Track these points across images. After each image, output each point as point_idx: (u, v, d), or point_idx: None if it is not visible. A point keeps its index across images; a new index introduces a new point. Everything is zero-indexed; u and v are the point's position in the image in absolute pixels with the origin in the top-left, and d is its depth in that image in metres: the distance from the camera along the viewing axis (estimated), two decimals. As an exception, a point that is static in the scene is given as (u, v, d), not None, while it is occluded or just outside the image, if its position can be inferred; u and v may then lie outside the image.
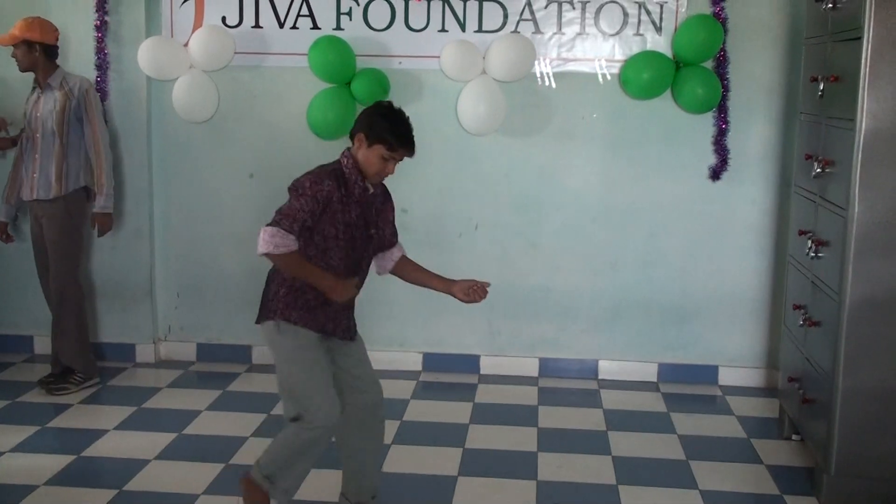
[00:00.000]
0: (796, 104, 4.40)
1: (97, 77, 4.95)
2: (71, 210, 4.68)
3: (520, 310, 5.08)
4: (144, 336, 5.23)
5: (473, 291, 3.21)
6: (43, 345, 5.12)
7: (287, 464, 3.10)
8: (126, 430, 4.28)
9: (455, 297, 3.24)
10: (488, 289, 3.25)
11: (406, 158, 3.13)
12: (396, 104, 3.16)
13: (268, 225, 2.95)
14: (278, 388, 3.16)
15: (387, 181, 3.20)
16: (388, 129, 3.02)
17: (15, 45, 4.58)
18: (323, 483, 3.52)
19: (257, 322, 3.17)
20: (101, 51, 4.94)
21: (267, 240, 2.93)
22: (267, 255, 2.96)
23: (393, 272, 3.35)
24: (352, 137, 3.10)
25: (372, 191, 3.14)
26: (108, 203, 4.71)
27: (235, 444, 4.11)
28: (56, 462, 3.89)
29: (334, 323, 3.14)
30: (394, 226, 3.30)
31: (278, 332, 3.08)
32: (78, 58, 4.99)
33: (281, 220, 2.95)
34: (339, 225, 3.04)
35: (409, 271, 3.33)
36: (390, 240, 3.29)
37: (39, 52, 4.60)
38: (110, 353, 5.22)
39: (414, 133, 3.09)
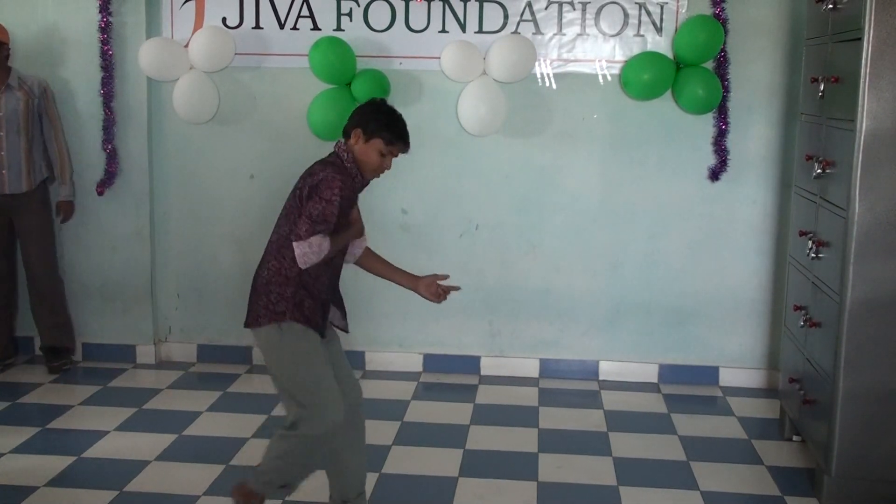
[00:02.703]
0: (797, 105, 4.40)
1: (103, 78, 4.96)
2: (44, 200, 4.96)
3: (520, 310, 5.07)
4: (145, 337, 5.23)
5: (438, 292, 3.28)
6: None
7: (299, 468, 3.13)
8: (126, 431, 4.28)
9: (420, 294, 3.30)
10: (455, 292, 3.33)
11: (402, 156, 3.16)
12: (397, 105, 3.18)
13: (307, 236, 2.93)
14: (280, 393, 3.15)
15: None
16: (386, 123, 3.06)
17: None
18: (322, 483, 3.51)
19: (250, 326, 3.11)
20: (105, 52, 4.95)
21: (315, 250, 2.94)
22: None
23: (358, 261, 3.36)
24: (346, 133, 3.12)
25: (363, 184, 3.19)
26: (72, 191, 4.99)
27: (236, 445, 4.11)
28: (57, 463, 3.88)
29: (324, 319, 3.16)
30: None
31: (281, 333, 3.05)
32: (79, 59, 4.99)
33: (319, 225, 2.94)
34: (343, 220, 3.07)
35: (373, 262, 3.37)
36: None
37: (7, 55, 4.79)
38: (111, 354, 5.22)
39: (408, 129, 3.13)
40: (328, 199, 2.95)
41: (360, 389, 3.34)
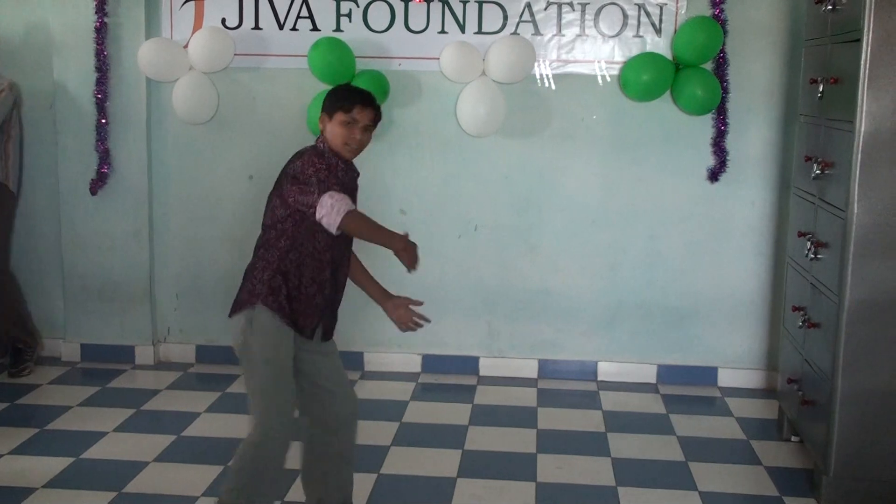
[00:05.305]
0: (796, 106, 4.40)
1: (97, 79, 4.95)
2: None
3: (519, 311, 5.07)
4: (143, 338, 5.22)
5: (407, 318, 3.18)
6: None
7: (255, 486, 3.03)
8: (125, 431, 4.28)
9: (386, 313, 3.22)
10: (423, 322, 3.20)
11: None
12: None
13: (320, 195, 2.83)
14: (247, 389, 3.09)
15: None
16: (338, 95, 3.06)
17: None
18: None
19: (230, 314, 3.05)
20: (100, 53, 4.93)
21: (334, 204, 2.81)
22: (348, 216, 2.82)
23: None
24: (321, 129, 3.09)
25: (357, 174, 3.13)
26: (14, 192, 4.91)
27: (235, 445, 4.06)
28: (55, 464, 3.88)
29: (317, 319, 3.06)
30: None
31: (250, 324, 2.97)
32: (77, 59, 4.98)
33: (321, 184, 2.86)
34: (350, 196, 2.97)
35: (353, 266, 3.27)
36: None
37: None
38: (109, 355, 5.21)
39: (370, 94, 3.07)
40: (316, 168, 2.90)
41: (355, 403, 3.24)
